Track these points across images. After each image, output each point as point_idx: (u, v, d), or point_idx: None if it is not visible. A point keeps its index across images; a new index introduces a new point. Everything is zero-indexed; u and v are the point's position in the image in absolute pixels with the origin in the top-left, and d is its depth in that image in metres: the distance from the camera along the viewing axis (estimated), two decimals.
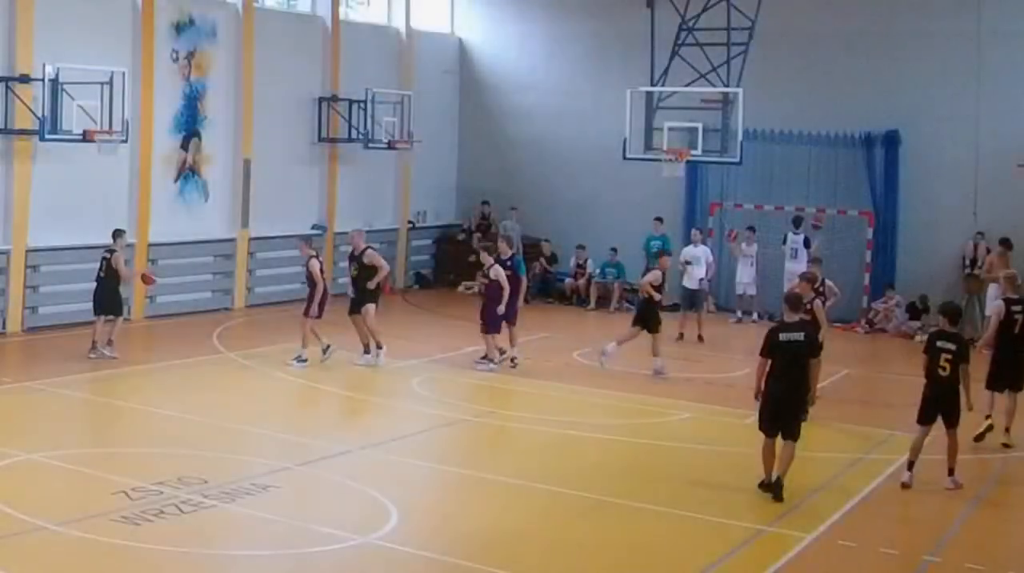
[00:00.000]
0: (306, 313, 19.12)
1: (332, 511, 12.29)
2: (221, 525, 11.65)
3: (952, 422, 13.62)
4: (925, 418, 13.69)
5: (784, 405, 13.00)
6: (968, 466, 14.55)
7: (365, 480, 13.12)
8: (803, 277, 17.85)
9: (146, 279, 20.49)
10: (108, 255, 19.10)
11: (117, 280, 19.16)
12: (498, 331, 19.52)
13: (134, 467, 13.12)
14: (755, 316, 25.49)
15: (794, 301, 13.65)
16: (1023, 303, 16.09)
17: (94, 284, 19.24)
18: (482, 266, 20.32)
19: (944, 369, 13.49)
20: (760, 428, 13.20)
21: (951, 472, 13.67)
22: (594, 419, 16.85)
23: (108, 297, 19.15)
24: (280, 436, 15.05)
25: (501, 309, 19.24)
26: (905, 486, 13.57)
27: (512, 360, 19.64)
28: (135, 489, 12.14)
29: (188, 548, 10.80)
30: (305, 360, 18.89)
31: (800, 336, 13.07)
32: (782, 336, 13.04)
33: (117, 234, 19.52)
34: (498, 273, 19.38)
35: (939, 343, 13.62)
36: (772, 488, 13.01)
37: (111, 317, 19.18)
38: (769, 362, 13.05)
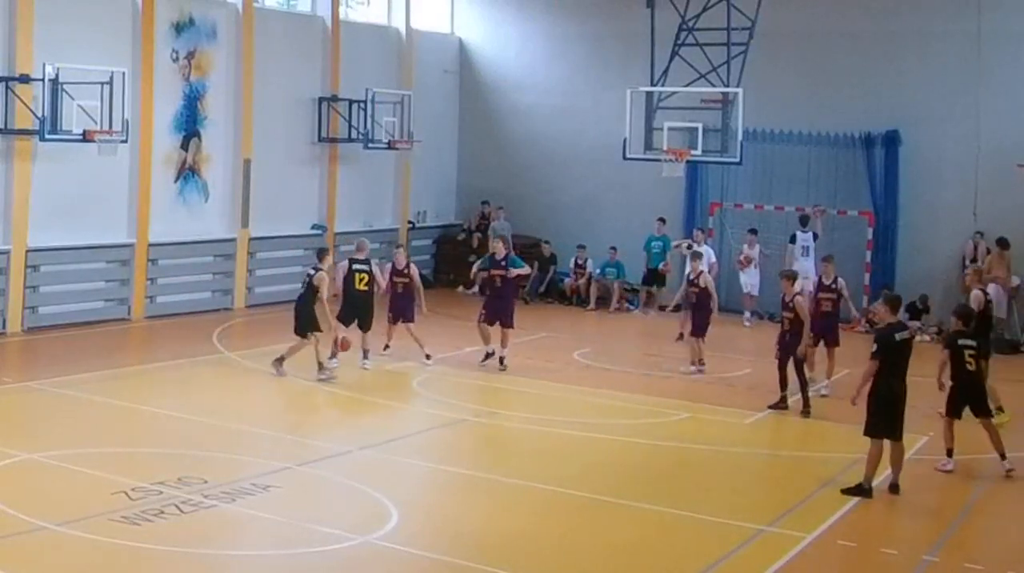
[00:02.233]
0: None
1: (332, 511, 12.28)
2: (221, 525, 11.64)
3: (982, 411, 14.34)
4: (954, 411, 14.34)
5: (902, 405, 13.27)
6: (967, 466, 14.59)
7: (365, 480, 13.12)
8: (784, 275, 18.00)
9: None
10: (312, 273, 18.20)
11: (315, 300, 18.10)
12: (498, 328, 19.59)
13: (134, 467, 13.12)
14: (748, 315, 25.48)
15: (896, 302, 13.97)
16: None
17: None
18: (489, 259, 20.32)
19: (970, 364, 14.20)
20: (873, 432, 13.19)
21: (1003, 457, 14.20)
22: (594, 419, 16.84)
23: (303, 315, 18.19)
24: (280, 436, 15.06)
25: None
26: (947, 472, 14.22)
27: (486, 357, 19.69)
28: (135, 489, 12.14)
29: (188, 548, 10.79)
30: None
31: (907, 334, 13.61)
32: (897, 336, 13.38)
33: (322, 254, 18.68)
34: (707, 280, 19.70)
35: (960, 342, 14.28)
36: (867, 492, 13.09)
37: (306, 336, 18.16)
38: (878, 364, 13.15)
